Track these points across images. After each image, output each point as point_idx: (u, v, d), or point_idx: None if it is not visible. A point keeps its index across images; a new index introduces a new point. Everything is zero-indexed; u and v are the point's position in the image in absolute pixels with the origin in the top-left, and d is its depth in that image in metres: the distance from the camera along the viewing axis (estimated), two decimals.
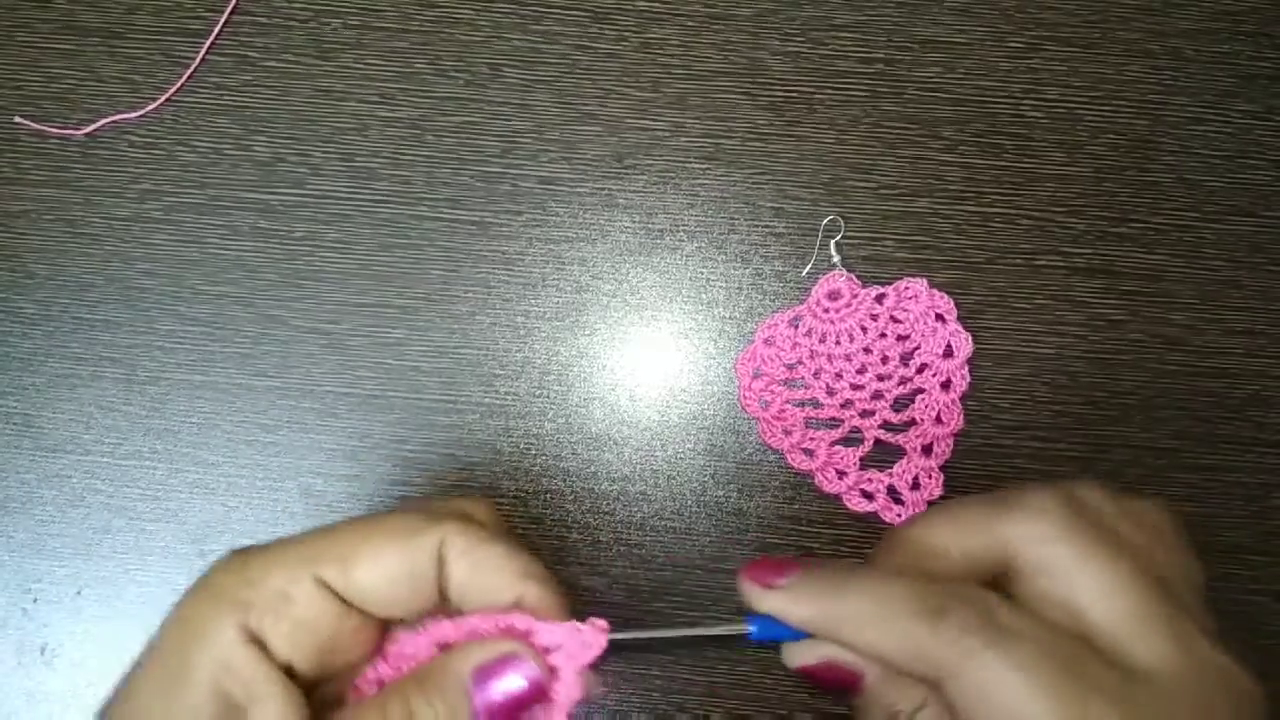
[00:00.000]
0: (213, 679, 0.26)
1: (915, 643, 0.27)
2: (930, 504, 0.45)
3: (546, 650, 0.28)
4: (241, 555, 0.28)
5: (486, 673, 0.27)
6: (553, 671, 0.28)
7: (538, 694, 0.28)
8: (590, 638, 0.28)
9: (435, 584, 0.28)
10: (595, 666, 0.29)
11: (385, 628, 0.30)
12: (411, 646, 0.29)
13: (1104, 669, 0.26)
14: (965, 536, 0.30)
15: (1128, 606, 0.27)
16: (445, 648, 0.29)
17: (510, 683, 0.28)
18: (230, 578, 0.27)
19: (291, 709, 0.26)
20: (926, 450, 0.45)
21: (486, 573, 0.28)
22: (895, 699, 0.29)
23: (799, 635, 0.31)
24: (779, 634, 0.31)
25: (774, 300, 0.46)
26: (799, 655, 0.31)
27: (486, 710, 0.27)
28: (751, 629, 0.31)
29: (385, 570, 0.28)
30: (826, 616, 0.29)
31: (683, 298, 0.46)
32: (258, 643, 0.26)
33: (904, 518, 0.45)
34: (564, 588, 0.29)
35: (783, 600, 0.30)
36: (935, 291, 0.45)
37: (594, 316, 0.46)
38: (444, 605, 0.30)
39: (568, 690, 0.28)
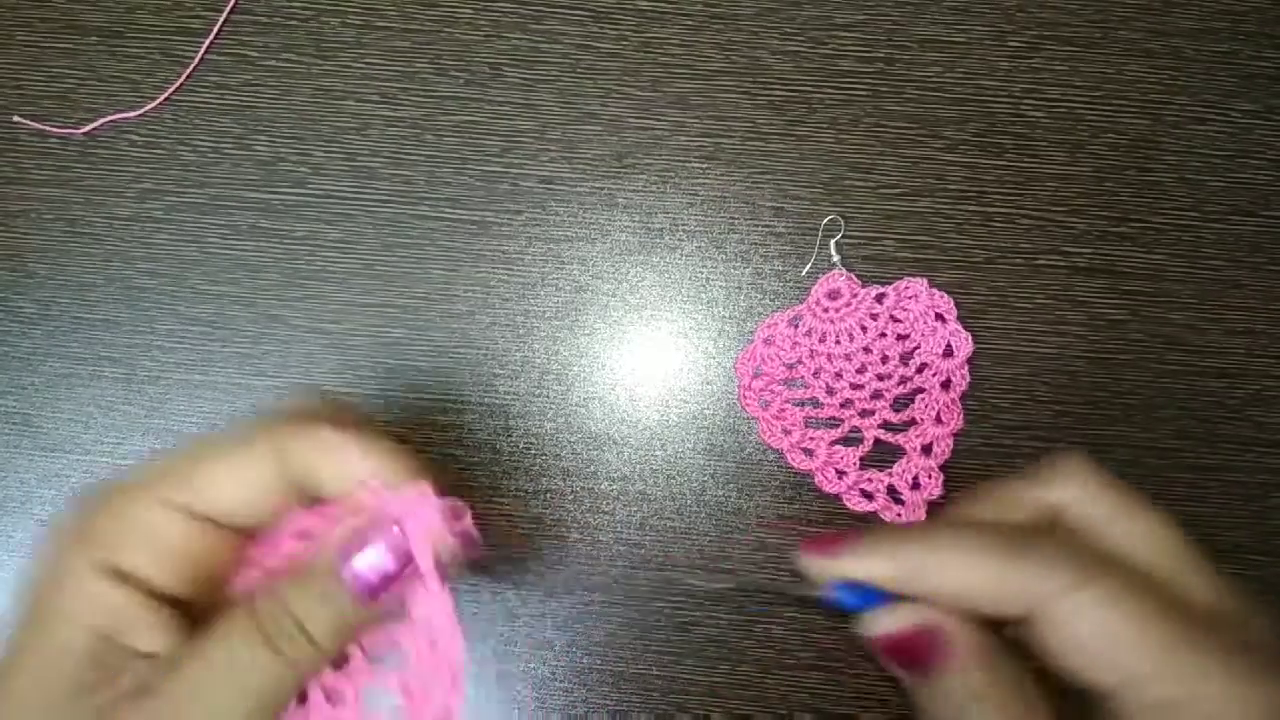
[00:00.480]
0: (81, 616, 0.26)
1: (1003, 579, 0.27)
2: (931, 503, 0.45)
3: (405, 523, 0.28)
4: (92, 492, 0.28)
5: (350, 551, 0.28)
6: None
7: (405, 561, 0.28)
8: (439, 503, 0.28)
9: (289, 487, 0.29)
10: (461, 536, 0.29)
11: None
12: (273, 543, 0.29)
13: (1182, 603, 0.27)
14: (1009, 511, 0.31)
15: (1176, 550, 0.28)
16: (308, 537, 0.29)
17: (375, 555, 0.28)
18: (84, 516, 0.27)
19: (165, 631, 0.27)
20: (926, 450, 0.45)
21: (334, 463, 0.28)
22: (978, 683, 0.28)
23: (865, 605, 0.29)
24: (856, 602, 0.30)
25: (774, 300, 0.46)
26: (882, 622, 0.29)
27: (361, 587, 0.27)
28: (833, 594, 0.30)
29: (235, 485, 0.28)
30: (909, 566, 0.28)
31: (682, 297, 0.46)
32: (120, 575, 0.27)
33: (903, 518, 0.45)
34: (415, 457, 0.29)
35: (860, 560, 0.29)
36: (935, 291, 0.45)
37: (594, 316, 0.46)
38: (308, 502, 0.30)
39: (425, 557, 0.28)
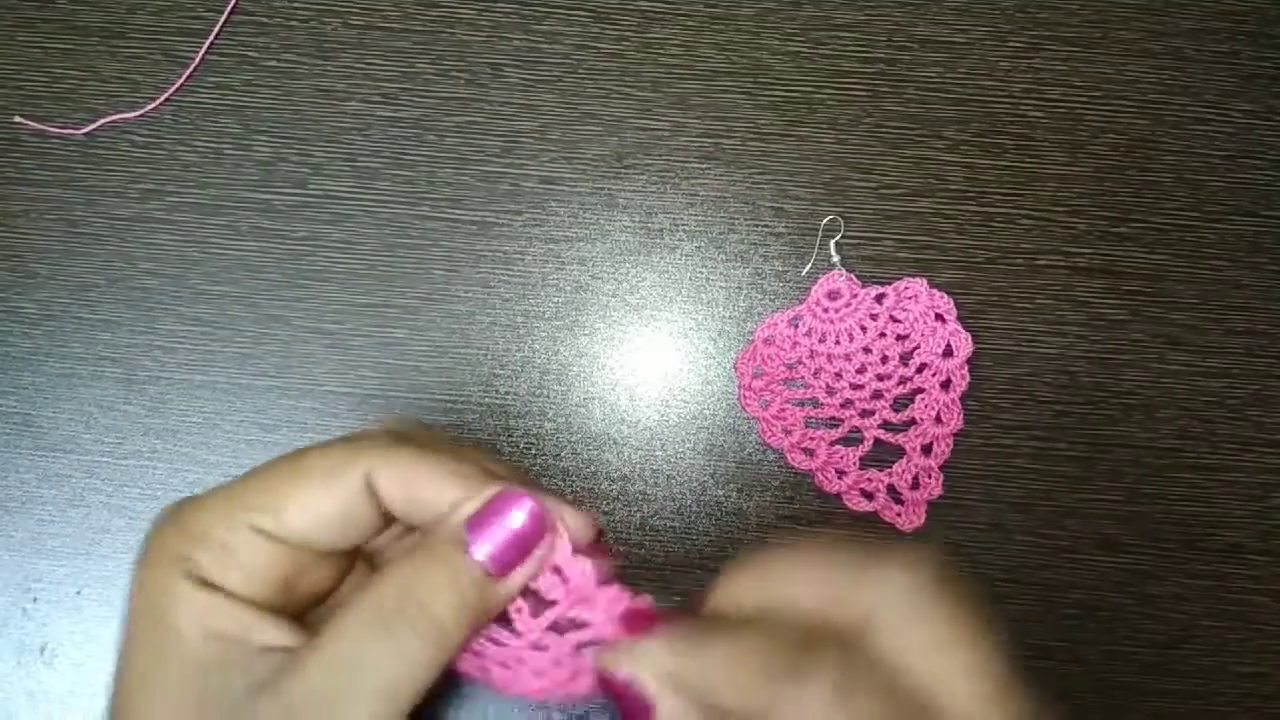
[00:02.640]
0: (191, 623, 0.25)
1: (845, 593, 0.27)
2: (931, 503, 0.45)
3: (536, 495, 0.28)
4: (176, 509, 0.28)
5: (480, 522, 0.27)
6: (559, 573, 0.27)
7: (540, 529, 0.27)
8: (575, 521, 0.27)
9: (371, 514, 0.28)
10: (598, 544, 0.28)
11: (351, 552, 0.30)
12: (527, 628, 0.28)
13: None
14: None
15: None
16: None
17: (512, 520, 0.27)
18: (171, 536, 0.27)
19: (281, 627, 0.26)
20: (926, 450, 0.45)
21: (423, 491, 0.27)
22: None
23: None
24: None
25: (774, 300, 0.46)
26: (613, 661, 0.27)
27: (491, 560, 0.26)
28: None
29: (316, 513, 0.27)
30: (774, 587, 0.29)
31: (682, 297, 0.46)
32: (215, 587, 0.26)
33: (903, 518, 0.45)
34: (515, 473, 0.28)
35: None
36: (935, 291, 0.45)
37: (594, 316, 0.46)
38: (392, 526, 0.29)
39: (567, 556, 0.27)
